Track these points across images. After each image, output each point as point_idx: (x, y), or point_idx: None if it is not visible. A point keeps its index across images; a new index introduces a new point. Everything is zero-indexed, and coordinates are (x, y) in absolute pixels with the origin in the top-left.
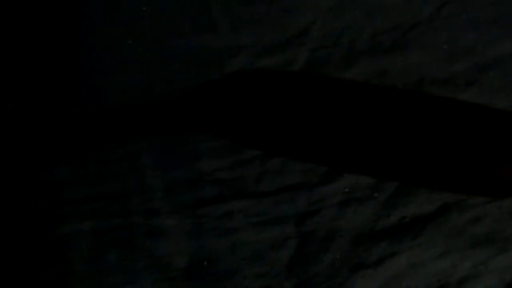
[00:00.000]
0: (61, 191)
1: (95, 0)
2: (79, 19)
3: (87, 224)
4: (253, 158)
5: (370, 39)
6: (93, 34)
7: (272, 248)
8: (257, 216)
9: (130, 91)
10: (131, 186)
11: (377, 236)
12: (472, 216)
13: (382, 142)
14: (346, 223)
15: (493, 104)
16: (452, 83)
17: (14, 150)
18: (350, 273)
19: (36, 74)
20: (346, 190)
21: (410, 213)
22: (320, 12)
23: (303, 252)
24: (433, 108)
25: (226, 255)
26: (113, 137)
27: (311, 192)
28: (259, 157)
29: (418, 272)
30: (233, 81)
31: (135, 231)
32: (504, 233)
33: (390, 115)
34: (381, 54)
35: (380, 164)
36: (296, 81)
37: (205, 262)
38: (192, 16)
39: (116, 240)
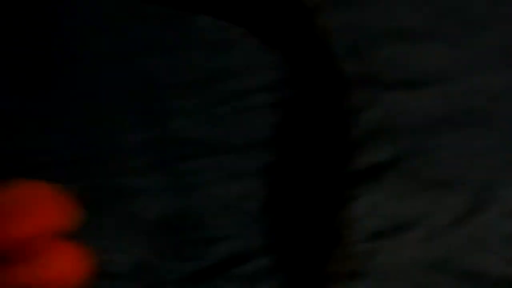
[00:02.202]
0: (32, 157)
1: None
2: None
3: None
4: (223, 115)
5: None
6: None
7: (244, 198)
8: (228, 170)
9: (93, 53)
10: (102, 148)
11: (338, 185)
12: (426, 160)
13: None
14: (309, 173)
15: (449, 54)
16: (411, 35)
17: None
18: (313, 218)
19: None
20: None
21: (368, 161)
22: None
23: (270, 201)
24: None
25: (199, 208)
26: (84, 101)
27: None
28: (230, 114)
29: (374, 214)
30: (197, 42)
31: (107, 191)
32: (455, 175)
33: None
34: (342, 7)
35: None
36: None
37: (177, 216)
38: None
39: (87, 201)
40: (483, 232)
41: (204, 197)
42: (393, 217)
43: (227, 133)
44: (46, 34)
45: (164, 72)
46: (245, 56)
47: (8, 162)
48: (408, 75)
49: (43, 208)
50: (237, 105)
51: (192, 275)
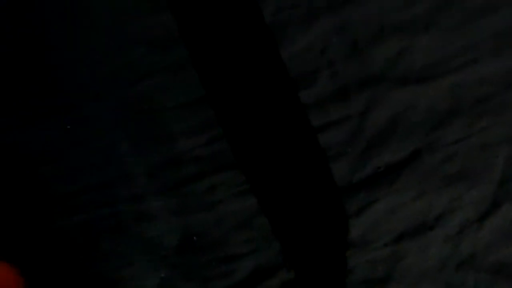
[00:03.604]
0: (47, 189)
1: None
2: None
3: (76, 218)
4: (228, 132)
5: None
6: (51, 28)
7: (256, 215)
8: (238, 187)
9: (95, 81)
10: (113, 175)
11: (355, 189)
12: (444, 156)
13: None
14: (324, 181)
15: (452, 44)
16: (412, 28)
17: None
18: (333, 225)
19: None
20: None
21: (383, 162)
22: None
23: (282, 215)
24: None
25: (213, 227)
26: (87, 130)
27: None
28: (234, 130)
29: (397, 215)
30: (197, 55)
31: (124, 218)
32: (475, 168)
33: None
34: (339, 8)
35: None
36: (258, 51)
37: (194, 237)
38: None
39: (106, 230)
40: (511, 223)
41: (219, 215)
42: (416, 216)
43: (230, 150)
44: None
45: (161, 94)
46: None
47: (31, 192)
48: (412, 70)
49: None
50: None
51: None
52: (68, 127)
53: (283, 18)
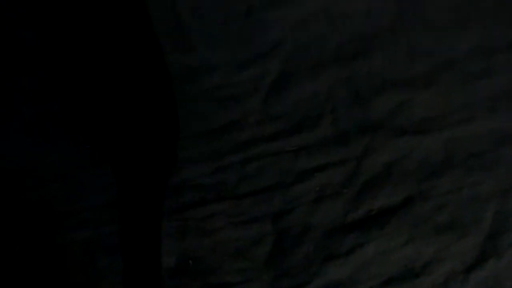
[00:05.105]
0: (54, 206)
1: None
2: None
3: (78, 234)
4: (232, 164)
5: (335, 49)
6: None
7: (251, 245)
8: (236, 217)
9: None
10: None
11: (347, 229)
12: (435, 205)
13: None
14: (318, 218)
15: (450, 102)
16: (413, 84)
17: (7, 170)
18: (323, 263)
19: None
20: (317, 188)
21: (376, 206)
22: (289, 27)
23: (279, 247)
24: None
25: (209, 253)
26: (99, 153)
27: (286, 192)
28: (238, 163)
29: (385, 259)
30: (210, 96)
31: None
32: (464, 219)
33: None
34: (346, 62)
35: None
36: (268, 92)
37: (190, 261)
38: (170, 36)
39: (106, 247)
40: (497, 279)
41: (215, 243)
42: (404, 262)
43: (235, 180)
44: None
45: (174, 123)
46: (253, 109)
47: (37, 211)
48: (411, 122)
49: None
50: (245, 155)
51: None
52: (88, 147)
53: (294, 65)
